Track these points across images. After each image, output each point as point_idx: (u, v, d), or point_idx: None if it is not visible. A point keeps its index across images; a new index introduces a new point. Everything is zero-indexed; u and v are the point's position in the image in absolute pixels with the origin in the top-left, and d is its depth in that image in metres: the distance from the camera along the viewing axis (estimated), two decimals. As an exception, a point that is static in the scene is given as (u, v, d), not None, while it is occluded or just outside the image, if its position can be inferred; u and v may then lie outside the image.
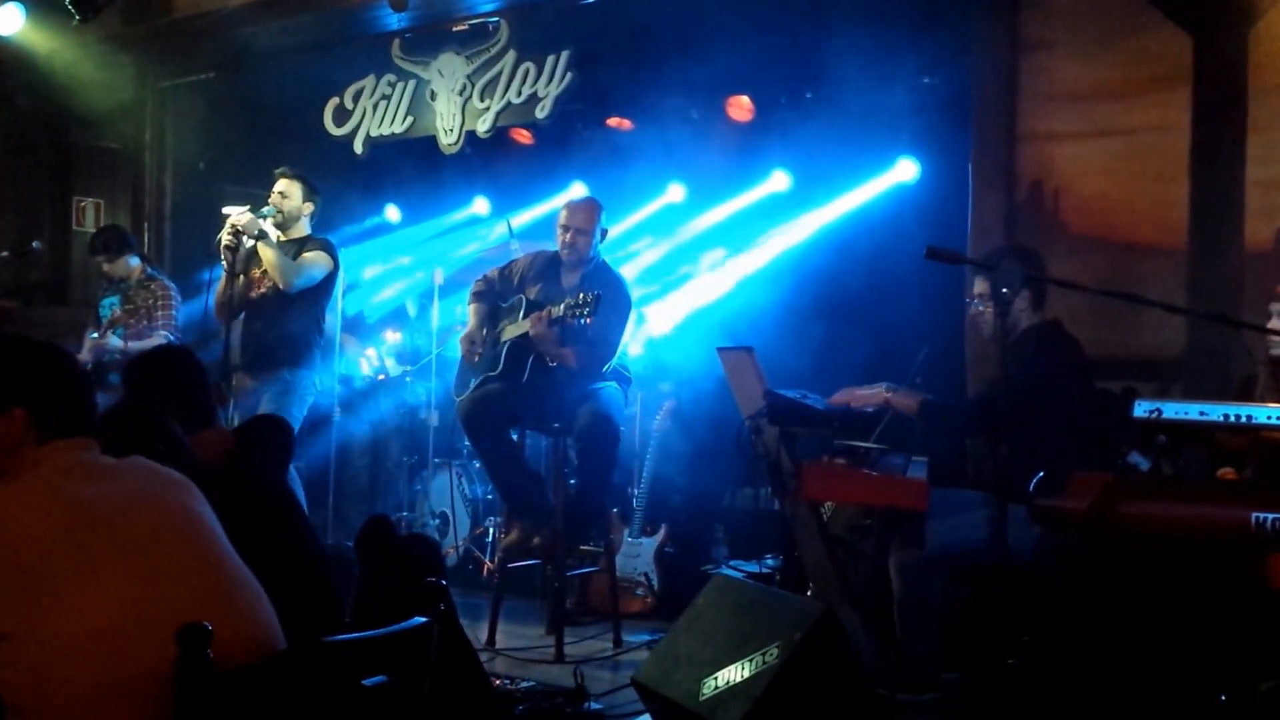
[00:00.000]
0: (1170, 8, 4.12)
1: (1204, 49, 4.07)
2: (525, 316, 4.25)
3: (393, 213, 6.88)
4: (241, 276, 4.81)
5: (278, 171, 4.91)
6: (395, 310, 6.60)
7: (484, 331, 4.46)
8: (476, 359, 4.46)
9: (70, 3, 5.34)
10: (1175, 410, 2.42)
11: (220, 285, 4.70)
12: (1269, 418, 2.42)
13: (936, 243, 2.93)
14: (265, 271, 4.76)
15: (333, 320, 5.18)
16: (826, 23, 4.84)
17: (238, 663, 1.56)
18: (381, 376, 6.22)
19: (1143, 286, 3.91)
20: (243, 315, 4.84)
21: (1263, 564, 2.67)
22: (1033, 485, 2.54)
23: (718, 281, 5.66)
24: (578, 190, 5.92)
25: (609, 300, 4.10)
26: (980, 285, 3.45)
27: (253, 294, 4.80)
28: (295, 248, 4.80)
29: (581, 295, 4.00)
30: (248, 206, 4.74)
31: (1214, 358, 3.96)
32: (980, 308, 3.45)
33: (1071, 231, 4.29)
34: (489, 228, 6.53)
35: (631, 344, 4.89)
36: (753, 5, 4.80)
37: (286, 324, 4.72)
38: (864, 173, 5.33)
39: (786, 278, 5.39)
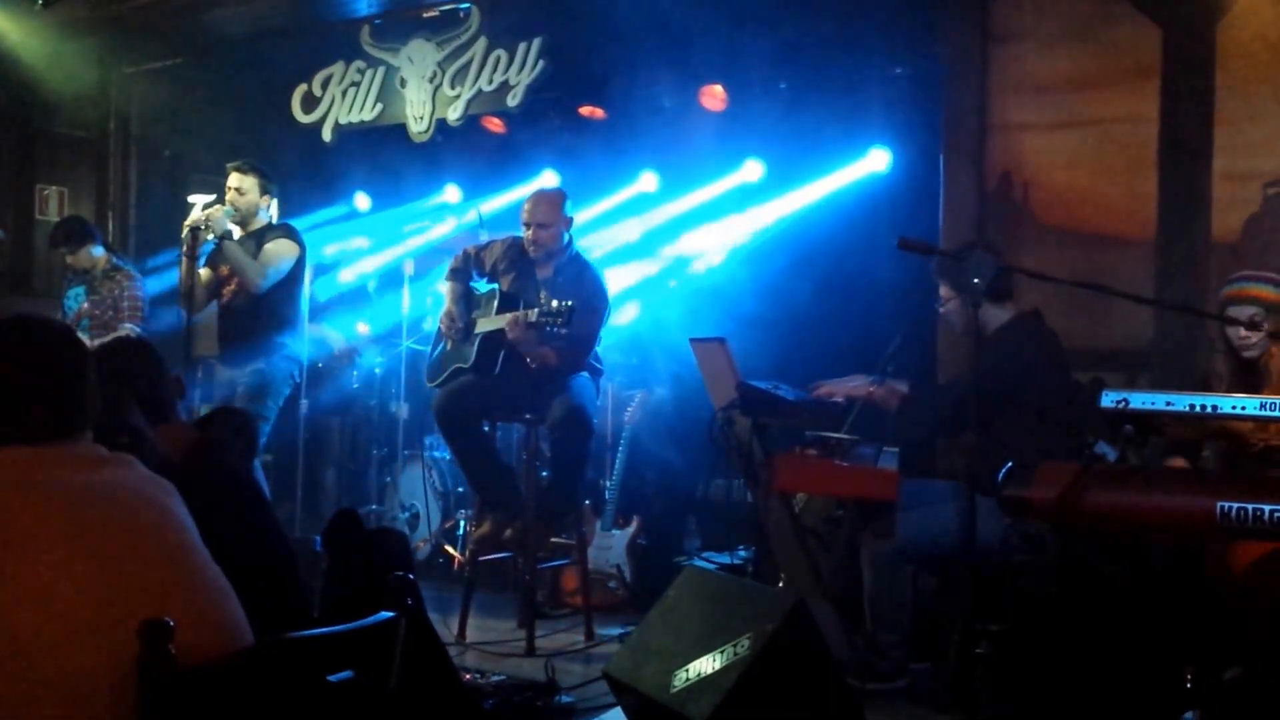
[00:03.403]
0: (1139, 0, 4.15)
1: (1172, 41, 4.10)
2: (499, 311, 4.21)
3: (362, 200, 6.81)
4: (210, 270, 4.75)
5: (230, 166, 4.80)
6: (358, 292, 6.49)
7: (459, 309, 4.41)
8: (450, 346, 4.42)
9: (33, -13, 5.25)
10: (1142, 400, 2.44)
11: (181, 272, 4.64)
12: (1234, 407, 2.45)
13: (909, 233, 2.94)
14: None
15: (303, 306, 5.13)
16: (800, 13, 4.83)
17: (204, 659, 1.54)
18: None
19: (1111, 277, 3.94)
20: (217, 308, 4.79)
21: (1228, 553, 2.71)
22: (1001, 476, 2.55)
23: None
24: (548, 179, 5.88)
25: (583, 298, 4.05)
26: (944, 289, 3.47)
27: (225, 290, 4.74)
28: (256, 240, 4.73)
29: (556, 304, 3.90)
30: (214, 196, 4.67)
31: (1181, 348, 4.00)
32: (942, 308, 3.48)
33: (1041, 222, 4.31)
34: (459, 215, 6.48)
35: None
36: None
37: (261, 315, 4.68)
38: (837, 162, 5.33)
39: (759, 268, 5.39)
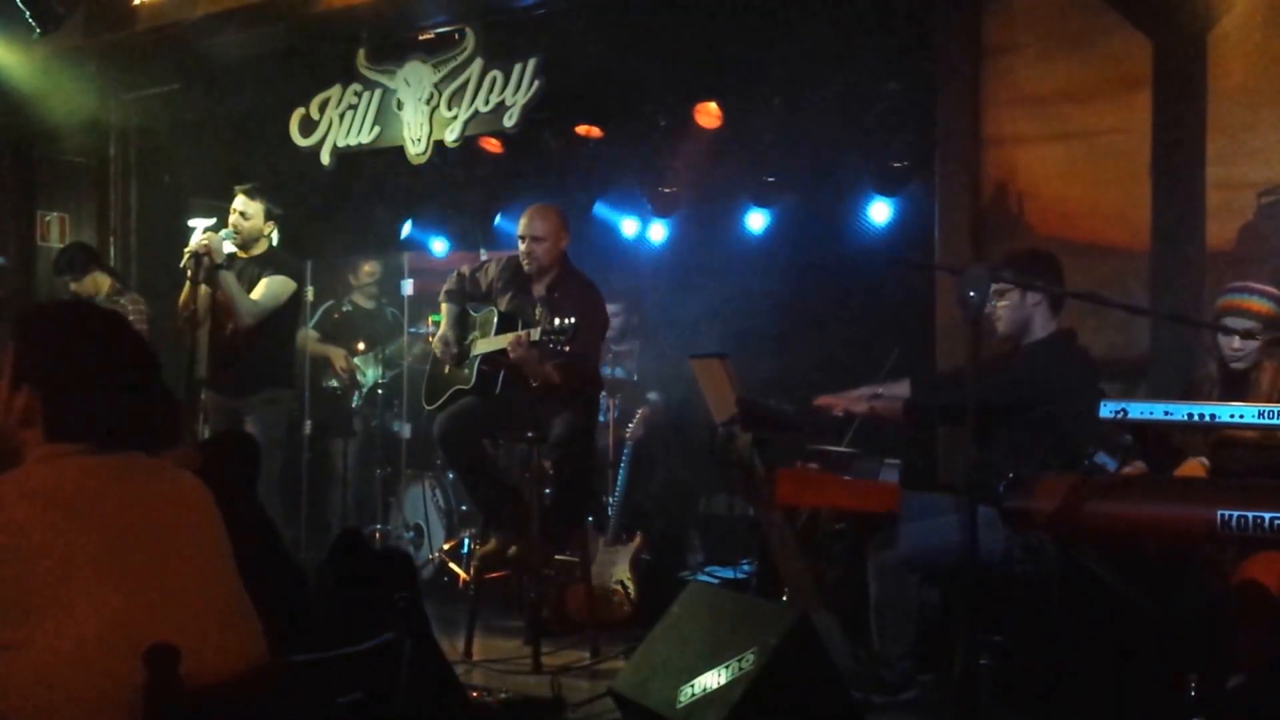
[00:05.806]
0: (1130, 11, 4.19)
1: (1164, 52, 4.14)
2: (499, 331, 4.22)
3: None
4: (213, 293, 4.73)
5: (238, 188, 4.81)
6: (357, 310, 6.48)
7: (455, 334, 4.43)
8: (448, 369, 4.44)
9: (32, 15, 5.28)
10: (1140, 410, 2.45)
11: (184, 295, 4.64)
12: (1232, 416, 2.46)
13: (907, 250, 2.96)
14: None
15: (301, 335, 5.14)
16: (793, 29, 4.87)
17: (223, 679, 1.54)
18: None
19: (1107, 287, 3.96)
20: (215, 336, 4.77)
21: (1229, 561, 2.72)
22: (1002, 487, 2.56)
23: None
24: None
25: (583, 315, 4.06)
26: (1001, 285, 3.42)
27: (225, 319, 4.70)
28: (257, 267, 4.72)
29: (559, 322, 3.89)
30: (215, 220, 4.69)
31: (1178, 357, 4.02)
32: (992, 305, 3.42)
33: (1036, 233, 4.34)
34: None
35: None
36: (719, 12, 4.82)
37: (263, 346, 4.67)
38: (834, 175, 5.35)
39: (756, 284, 5.41)
